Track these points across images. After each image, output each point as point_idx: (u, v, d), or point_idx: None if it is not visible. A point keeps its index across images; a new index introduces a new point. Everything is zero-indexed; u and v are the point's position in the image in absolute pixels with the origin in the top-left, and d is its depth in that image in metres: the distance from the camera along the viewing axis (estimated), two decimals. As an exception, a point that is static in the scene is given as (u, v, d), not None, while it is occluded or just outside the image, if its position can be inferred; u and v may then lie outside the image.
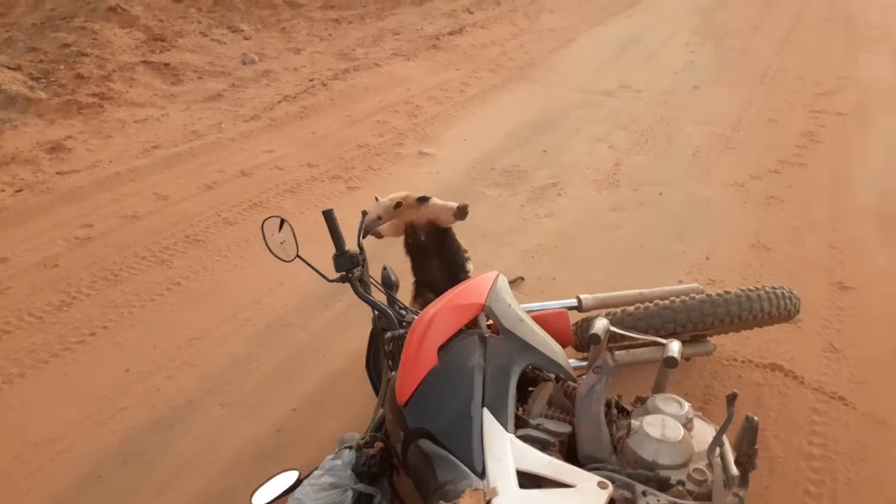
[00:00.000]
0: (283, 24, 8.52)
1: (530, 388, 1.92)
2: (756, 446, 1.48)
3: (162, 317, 2.92)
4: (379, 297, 2.18)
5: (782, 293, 2.30)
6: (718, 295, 2.23)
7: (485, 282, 2.06)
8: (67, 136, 4.80)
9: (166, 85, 6.32)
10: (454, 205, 2.51)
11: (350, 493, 1.88)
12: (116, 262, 3.29)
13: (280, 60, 7.07)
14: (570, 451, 1.67)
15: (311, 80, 6.28)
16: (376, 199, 2.50)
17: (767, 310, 2.23)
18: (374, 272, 2.18)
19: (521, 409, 1.84)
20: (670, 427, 1.60)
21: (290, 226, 2.13)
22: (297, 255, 2.14)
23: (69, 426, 2.33)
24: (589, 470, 1.48)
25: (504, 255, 3.39)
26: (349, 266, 2.14)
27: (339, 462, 1.98)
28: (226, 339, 2.78)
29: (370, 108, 5.57)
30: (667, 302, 2.26)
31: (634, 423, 1.64)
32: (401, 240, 2.66)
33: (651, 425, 1.60)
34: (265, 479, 1.89)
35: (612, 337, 2.20)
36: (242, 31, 8.19)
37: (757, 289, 2.27)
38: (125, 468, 2.18)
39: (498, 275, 2.11)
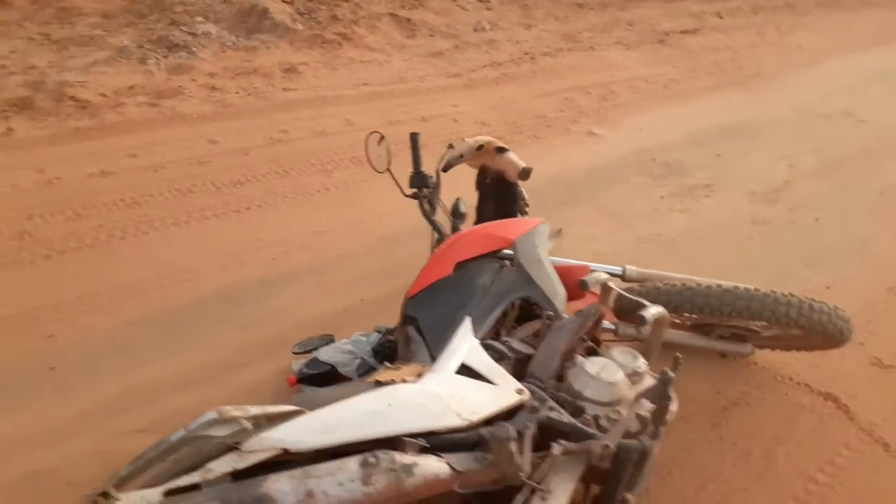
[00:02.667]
0: (527, 2, 8.92)
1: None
2: (668, 402, 1.57)
3: (305, 210, 3.51)
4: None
5: (842, 315, 2.21)
6: (783, 294, 2.17)
7: (526, 224, 2.31)
8: (303, 63, 5.68)
9: (401, 37, 7.06)
10: (522, 164, 2.69)
11: (358, 361, 2.27)
12: (292, 162, 3.97)
13: (508, 32, 7.49)
14: (523, 371, 1.87)
15: (526, 53, 6.62)
16: (463, 139, 2.75)
17: (825, 325, 2.15)
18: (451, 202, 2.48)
19: (507, 331, 2.06)
20: (609, 371, 1.72)
21: (388, 142, 2.51)
22: (388, 169, 2.53)
23: (199, 265, 3.00)
24: (527, 382, 1.68)
25: (617, 236, 3.49)
26: (421, 184, 2.49)
27: (364, 339, 2.37)
28: (345, 238, 3.29)
29: (566, 85, 5.78)
30: (723, 286, 2.24)
31: (580, 359, 1.80)
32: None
33: (592, 364, 1.74)
34: (308, 337, 2.34)
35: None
36: (489, 1, 8.73)
37: (821, 302, 2.20)
38: (226, 304, 2.77)
39: (541, 222, 2.34)
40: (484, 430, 1.43)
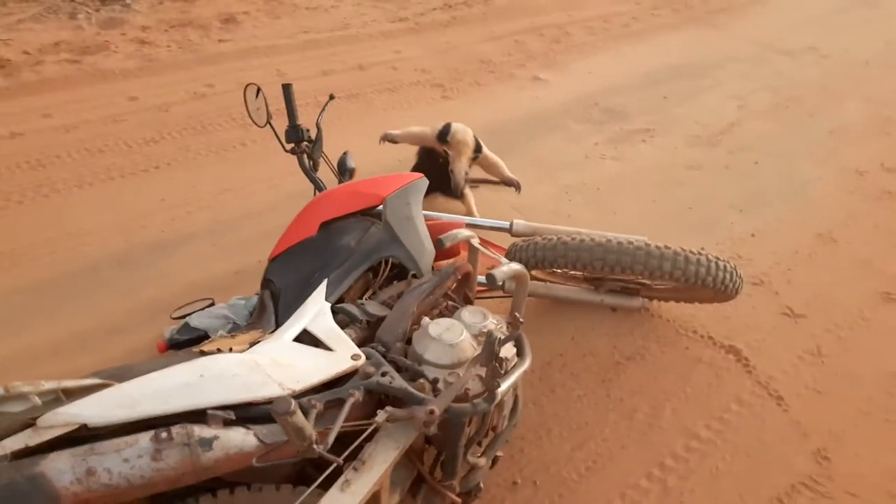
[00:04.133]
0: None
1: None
2: (496, 363, 1.50)
3: (216, 168, 3.39)
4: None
5: (725, 266, 2.11)
6: (657, 247, 2.08)
7: (400, 180, 2.20)
8: (244, 12, 5.46)
9: (355, -19, 6.80)
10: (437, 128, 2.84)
11: (230, 326, 2.19)
12: (212, 118, 3.83)
13: (468, -28, 7.20)
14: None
15: (485, -6, 6.36)
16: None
17: (703, 277, 2.06)
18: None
19: (373, 292, 1.98)
20: (453, 331, 1.64)
21: (264, 95, 2.39)
22: (268, 122, 2.41)
23: (99, 227, 2.90)
24: (369, 348, 1.60)
25: (541, 185, 3.36)
26: (297, 138, 2.37)
27: (242, 302, 2.29)
28: (251, 196, 3.18)
29: (517, 27, 5.56)
30: (603, 240, 2.15)
31: (426, 320, 1.71)
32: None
33: (436, 325, 1.65)
34: (188, 301, 2.26)
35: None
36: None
37: (699, 253, 2.10)
38: (117, 268, 2.69)
39: (420, 177, 2.23)
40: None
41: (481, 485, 1.64)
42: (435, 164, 2.90)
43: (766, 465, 2.00)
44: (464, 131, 2.81)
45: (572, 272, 2.37)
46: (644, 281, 2.31)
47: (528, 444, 2.04)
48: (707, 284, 2.07)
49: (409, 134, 2.96)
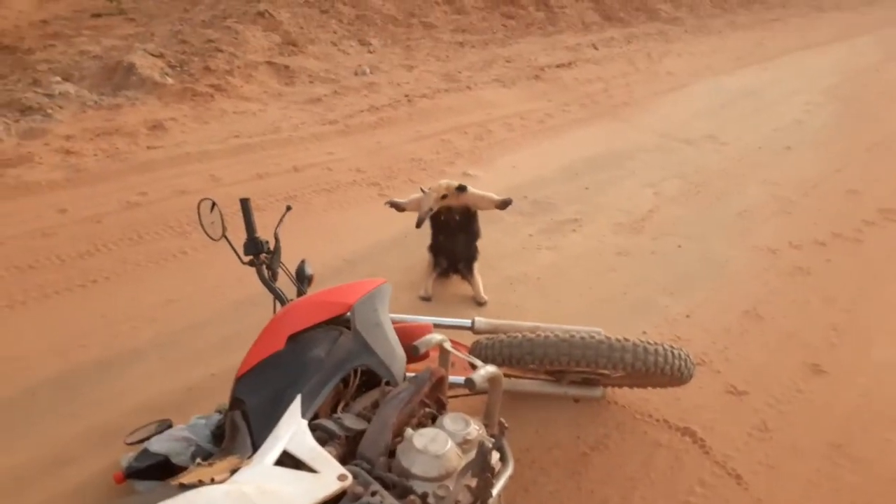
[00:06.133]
0: (409, 43, 9.01)
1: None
2: (489, 474, 1.52)
3: (157, 278, 3.33)
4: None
5: (679, 354, 2.24)
6: (617, 340, 2.20)
7: (365, 286, 2.22)
8: (171, 118, 5.48)
9: (279, 85, 6.96)
10: (497, 197, 3.26)
11: (193, 449, 2.11)
12: (147, 226, 3.77)
13: (390, 75, 7.52)
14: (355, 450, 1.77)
15: (406, 96, 6.64)
16: (422, 190, 3.20)
17: (661, 366, 2.18)
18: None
19: (346, 403, 1.96)
20: (438, 442, 1.64)
21: (220, 209, 2.40)
22: (223, 236, 2.41)
23: (35, 349, 2.77)
24: (353, 465, 1.58)
25: (485, 276, 3.46)
26: (256, 251, 2.38)
27: (203, 422, 2.22)
28: (198, 306, 3.12)
29: (442, 127, 5.82)
30: (567, 335, 2.25)
31: (409, 432, 1.72)
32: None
33: (420, 437, 1.66)
34: (143, 424, 2.17)
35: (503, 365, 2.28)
36: (370, 44, 8.77)
37: (656, 344, 2.23)
38: (58, 391, 2.55)
39: (383, 283, 2.26)
40: None
41: None
42: (448, 242, 3.41)
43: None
44: (438, 186, 3.19)
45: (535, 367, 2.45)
46: (605, 371, 2.41)
47: (507, 546, 2.04)
48: (665, 372, 2.19)
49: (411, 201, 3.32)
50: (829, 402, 2.74)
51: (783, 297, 3.48)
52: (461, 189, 3.20)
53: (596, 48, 9.28)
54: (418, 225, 3.13)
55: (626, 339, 2.18)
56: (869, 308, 3.41)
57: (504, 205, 3.25)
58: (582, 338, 2.19)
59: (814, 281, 3.64)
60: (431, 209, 3.17)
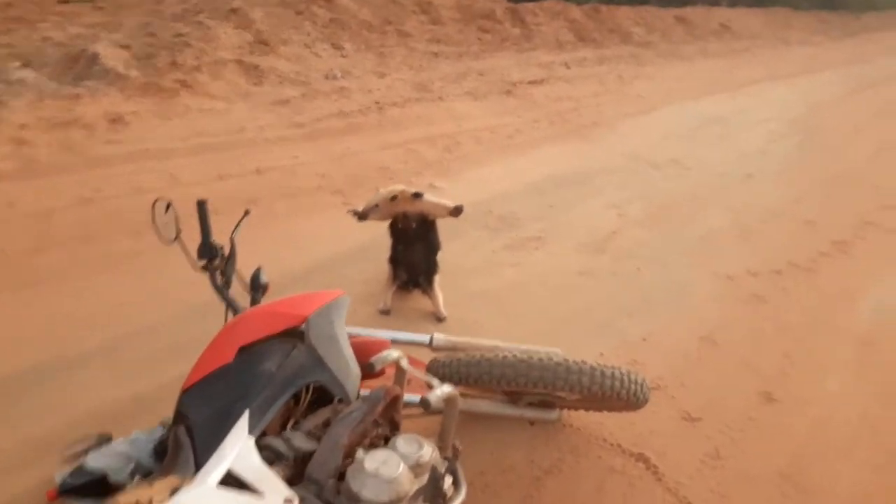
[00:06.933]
0: (383, 50, 8.98)
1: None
2: (441, 501, 1.48)
3: (108, 280, 3.22)
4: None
5: (636, 379, 2.24)
6: (575, 363, 2.18)
7: (322, 298, 2.16)
8: (133, 112, 5.35)
9: (247, 84, 6.86)
10: (450, 204, 3.22)
11: (132, 466, 2.02)
12: (101, 225, 3.66)
13: (361, 81, 7.47)
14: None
15: (376, 103, 6.60)
16: (377, 189, 3.15)
17: (617, 391, 2.17)
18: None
19: (296, 421, 1.90)
20: (390, 465, 1.60)
21: (175, 210, 2.31)
22: (178, 238, 2.33)
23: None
24: (301, 487, 1.53)
25: (449, 291, 3.43)
26: (210, 255, 2.31)
27: (143, 437, 2.12)
28: (150, 310, 3.02)
29: (411, 136, 5.80)
30: (525, 356, 2.23)
31: (360, 454, 1.67)
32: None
33: (372, 459, 1.61)
34: (81, 437, 2.06)
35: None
36: (343, 48, 8.71)
37: (613, 368, 2.22)
38: (-6, 395, 2.44)
39: (341, 294, 2.21)
40: None
41: None
42: (407, 252, 3.36)
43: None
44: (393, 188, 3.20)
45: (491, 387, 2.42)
46: (561, 394, 2.39)
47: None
48: (621, 397, 2.18)
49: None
50: (780, 430, 2.76)
51: (739, 324, 3.52)
52: (417, 196, 3.20)
53: (568, 67, 9.37)
54: (361, 217, 3.11)
55: (584, 362, 2.16)
56: (821, 338, 3.47)
57: (457, 212, 3.24)
58: (540, 359, 2.16)
59: (769, 309, 3.69)
60: (377, 205, 3.15)
